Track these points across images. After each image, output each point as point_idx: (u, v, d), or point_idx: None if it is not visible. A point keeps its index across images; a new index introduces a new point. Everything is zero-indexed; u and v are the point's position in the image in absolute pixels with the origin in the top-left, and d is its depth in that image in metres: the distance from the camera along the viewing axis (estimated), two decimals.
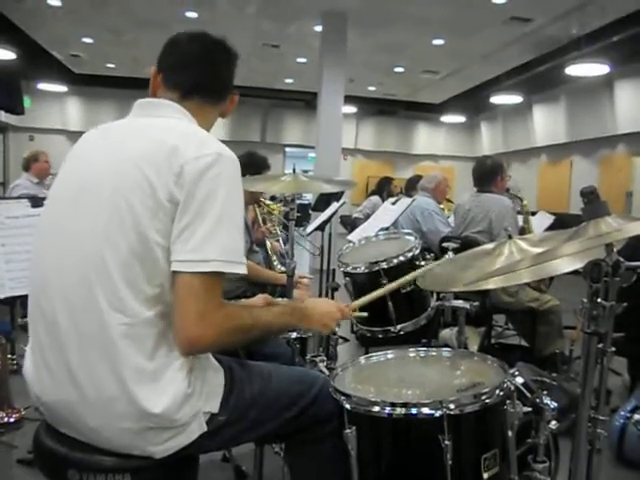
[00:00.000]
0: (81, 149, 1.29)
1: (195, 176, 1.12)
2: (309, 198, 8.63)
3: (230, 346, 1.25)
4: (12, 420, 2.64)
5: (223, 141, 1.21)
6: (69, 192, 1.21)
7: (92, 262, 1.12)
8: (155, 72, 1.33)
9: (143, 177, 1.12)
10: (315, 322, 1.39)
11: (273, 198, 4.34)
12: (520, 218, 3.73)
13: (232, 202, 1.16)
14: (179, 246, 1.11)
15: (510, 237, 1.52)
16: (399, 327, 2.03)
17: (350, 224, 6.58)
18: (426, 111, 12.70)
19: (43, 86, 10.42)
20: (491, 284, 1.32)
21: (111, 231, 1.12)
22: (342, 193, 4.52)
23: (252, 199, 3.11)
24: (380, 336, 2.08)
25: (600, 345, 1.19)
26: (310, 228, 4.08)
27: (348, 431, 1.25)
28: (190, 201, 1.11)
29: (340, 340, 3.22)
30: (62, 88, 10.55)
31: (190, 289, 1.10)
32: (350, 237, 3.71)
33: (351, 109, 11.04)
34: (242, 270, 1.15)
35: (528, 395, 1.50)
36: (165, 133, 1.19)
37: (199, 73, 1.32)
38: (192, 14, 7.24)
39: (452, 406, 1.19)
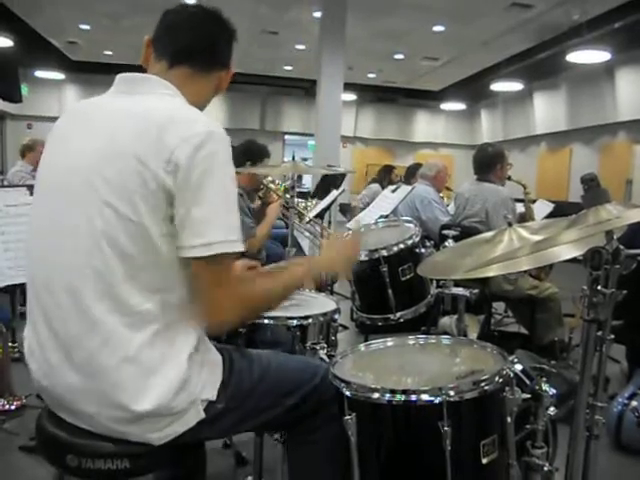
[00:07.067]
0: (65, 131, 1.25)
1: (187, 159, 1.09)
2: (308, 186, 8.63)
3: (257, 313, 1.33)
4: (13, 408, 2.65)
5: None
6: (58, 180, 1.19)
7: (89, 254, 1.11)
8: (147, 42, 1.32)
9: (133, 168, 1.10)
10: (329, 253, 1.47)
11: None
12: (521, 205, 3.73)
13: (227, 180, 1.14)
14: (182, 232, 1.11)
15: (510, 225, 1.51)
16: (399, 315, 2.04)
17: (349, 212, 6.57)
18: (426, 98, 12.64)
19: (40, 74, 10.38)
20: (491, 271, 1.31)
21: (107, 222, 1.10)
22: (342, 181, 4.52)
23: (252, 184, 3.06)
24: (380, 324, 2.08)
25: (599, 333, 1.20)
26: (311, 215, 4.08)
27: (348, 418, 1.25)
28: (186, 185, 1.09)
29: (340, 328, 3.22)
30: (59, 75, 10.51)
31: (204, 271, 1.12)
32: (349, 225, 3.71)
33: (350, 96, 11.00)
34: (241, 248, 1.15)
35: (527, 382, 1.51)
36: (149, 115, 1.15)
37: (187, 38, 1.30)
38: None
39: (452, 393, 1.19)
